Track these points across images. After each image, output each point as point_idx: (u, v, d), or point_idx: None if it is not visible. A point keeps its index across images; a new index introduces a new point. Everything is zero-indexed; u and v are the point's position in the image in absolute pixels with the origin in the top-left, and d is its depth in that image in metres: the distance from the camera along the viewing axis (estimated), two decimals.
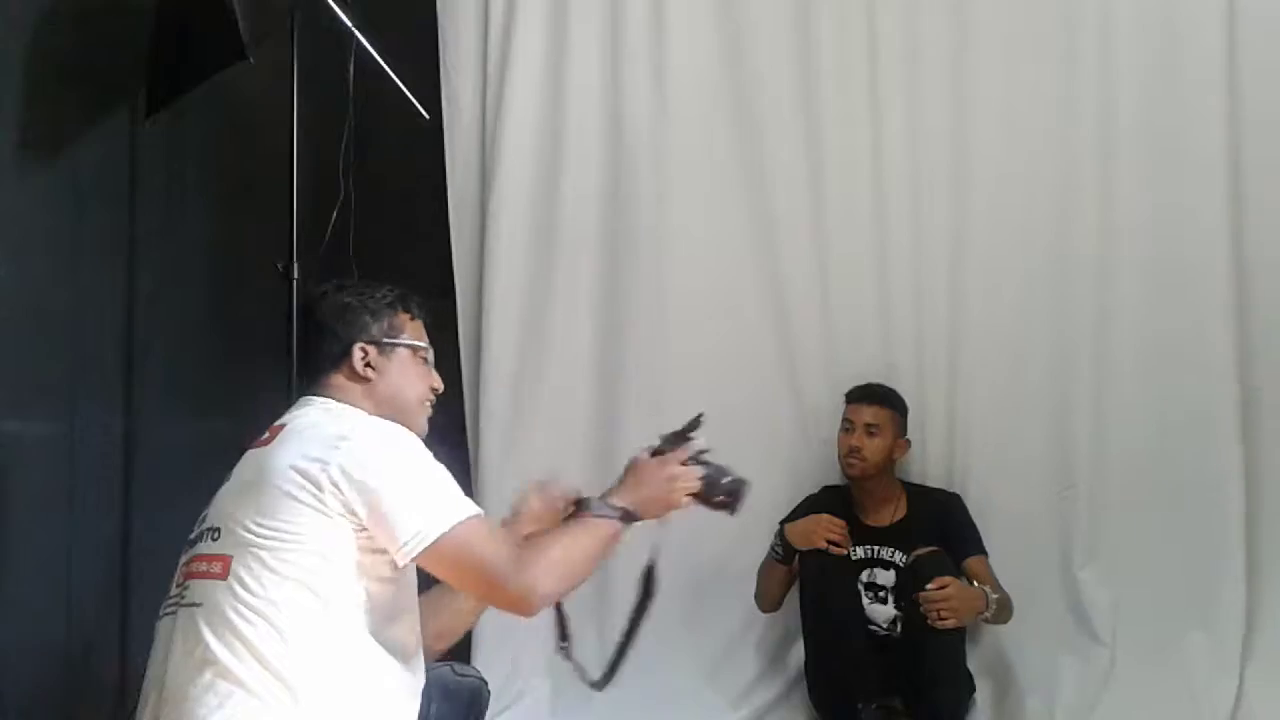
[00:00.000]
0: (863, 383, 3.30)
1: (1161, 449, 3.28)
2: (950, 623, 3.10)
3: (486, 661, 3.23)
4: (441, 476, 2.12)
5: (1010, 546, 3.28)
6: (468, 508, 2.08)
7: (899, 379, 3.34)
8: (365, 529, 2.08)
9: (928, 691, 3.16)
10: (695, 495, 2.25)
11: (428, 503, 2.06)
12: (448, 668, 3.06)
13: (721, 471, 2.24)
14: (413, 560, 2.05)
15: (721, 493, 2.24)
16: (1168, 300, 3.27)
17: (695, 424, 2.28)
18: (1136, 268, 3.28)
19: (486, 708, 3.13)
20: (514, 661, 3.32)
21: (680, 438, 2.25)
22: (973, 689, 3.28)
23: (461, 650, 3.36)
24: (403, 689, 2.22)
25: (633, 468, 2.27)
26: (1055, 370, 3.33)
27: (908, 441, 3.32)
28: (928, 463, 3.39)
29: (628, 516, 2.19)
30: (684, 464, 2.25)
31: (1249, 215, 3.22)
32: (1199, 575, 3.24)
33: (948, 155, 3.34)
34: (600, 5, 3.38)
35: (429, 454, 2.13)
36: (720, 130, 3.39)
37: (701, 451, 2.24)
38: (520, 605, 2.12)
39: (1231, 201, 3.22)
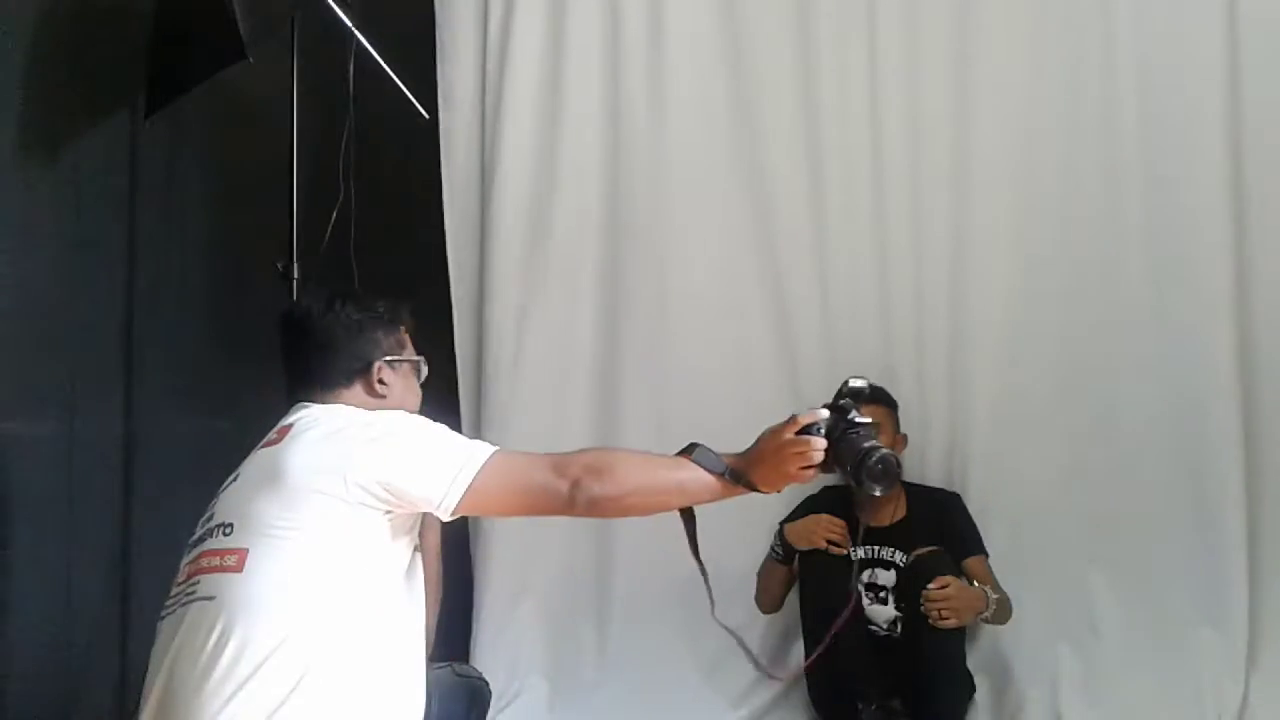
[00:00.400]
0: None
1: (1165, 447, 3.31)
2: (951, 622, 3.15)
3: (483, 662, 3.27)
4: (451, 435, 2.25)
5: (1011, 546, 3.31)
6: (485, 448, 2.19)
7: (899, 380, 3.37)
8: (392, 511, 2.19)
9: (928, 692, 3.20)
10: (823, 467, 2.15)
11: (448, 460, 2.18)
12: (449, 668, 3.15)
13: (862, 437, 2.13)
14: (455, 513, 2.17)
15: (849, 463, 2.12)
16: (1171, 299, 3.30)
17: (842, 391, 2.22)
18: (1139, 268, 3.31)
19: (488, 707, 3.19)
20: (511, 662, 3.35)
21: (831, 408, 2.17)
22: (973, 689, 3.32)
23: (460, 650, 3.40)
24: (413, 682, 2.30)
25: (761, 436, 2.23)
26: (1057, 369, 3.37)
27: (905, 437, 3.36)
28: (928, 464, 3.42)
29: (735, 476, 2.19)
30: (801, 433, 2.16)
31: (1252, 214, 3.25)
32: (1203, 574, 3.27)
33: (948, 156, 3.38)
34: (599, 5, 3.39)
35: (430, 421, 2.26)
36: (720, 130, 3.42)
37: (849, 423, 2.14)
38: (570, 506, 2.19)
39: (1235, 201, 3.25)
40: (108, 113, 3.28)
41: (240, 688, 2.12)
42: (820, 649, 2.93)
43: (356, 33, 3.22)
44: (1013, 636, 3.33)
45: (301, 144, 3.21)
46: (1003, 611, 3.24)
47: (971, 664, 3.31)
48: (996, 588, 3.24)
